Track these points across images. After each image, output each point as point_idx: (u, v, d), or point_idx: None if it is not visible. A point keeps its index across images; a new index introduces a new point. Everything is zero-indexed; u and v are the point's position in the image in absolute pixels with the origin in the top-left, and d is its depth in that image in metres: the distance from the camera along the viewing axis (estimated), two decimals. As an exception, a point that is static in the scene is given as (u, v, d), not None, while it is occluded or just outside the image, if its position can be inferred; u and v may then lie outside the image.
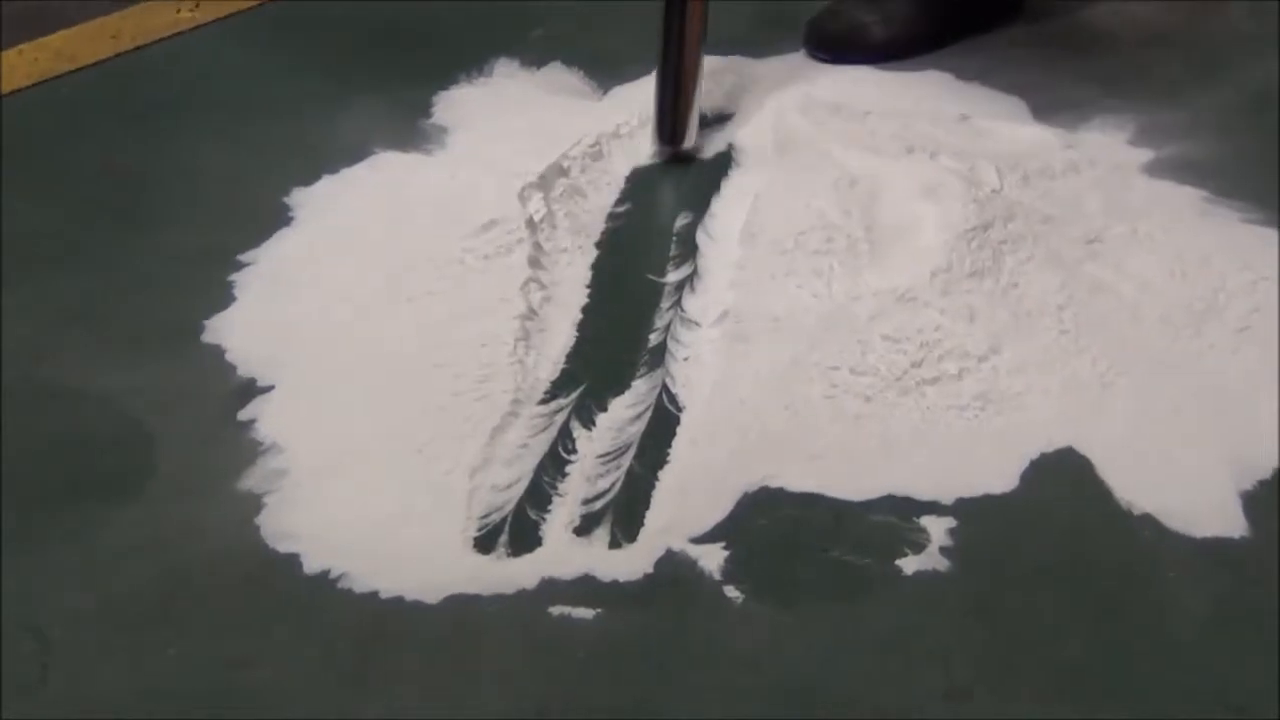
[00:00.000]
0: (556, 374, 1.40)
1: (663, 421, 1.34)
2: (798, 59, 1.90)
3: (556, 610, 1.17)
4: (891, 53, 1.90)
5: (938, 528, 1.23)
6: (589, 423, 1.34)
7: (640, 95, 1.75)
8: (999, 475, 1.28)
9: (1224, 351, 1.40)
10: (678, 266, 1.53)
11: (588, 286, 1.51)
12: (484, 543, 1.23)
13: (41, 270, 1.54)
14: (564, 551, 1.22)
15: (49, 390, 1.39)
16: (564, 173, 1.63)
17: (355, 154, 1.72)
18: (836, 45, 1.90)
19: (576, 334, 1.45)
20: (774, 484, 1.27)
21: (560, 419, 1.35)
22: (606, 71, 1.87)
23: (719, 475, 1.28)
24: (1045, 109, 1.77)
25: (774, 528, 1.24)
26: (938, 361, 1.37)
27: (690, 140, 1.68)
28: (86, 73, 1.92)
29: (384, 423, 1.34)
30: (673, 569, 1.20)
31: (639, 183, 1.66)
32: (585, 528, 1.24)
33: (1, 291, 1.50)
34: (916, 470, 1.28)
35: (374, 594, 1.18)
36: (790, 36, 1.92)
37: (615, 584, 1.19)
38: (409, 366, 1.40)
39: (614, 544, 1.23)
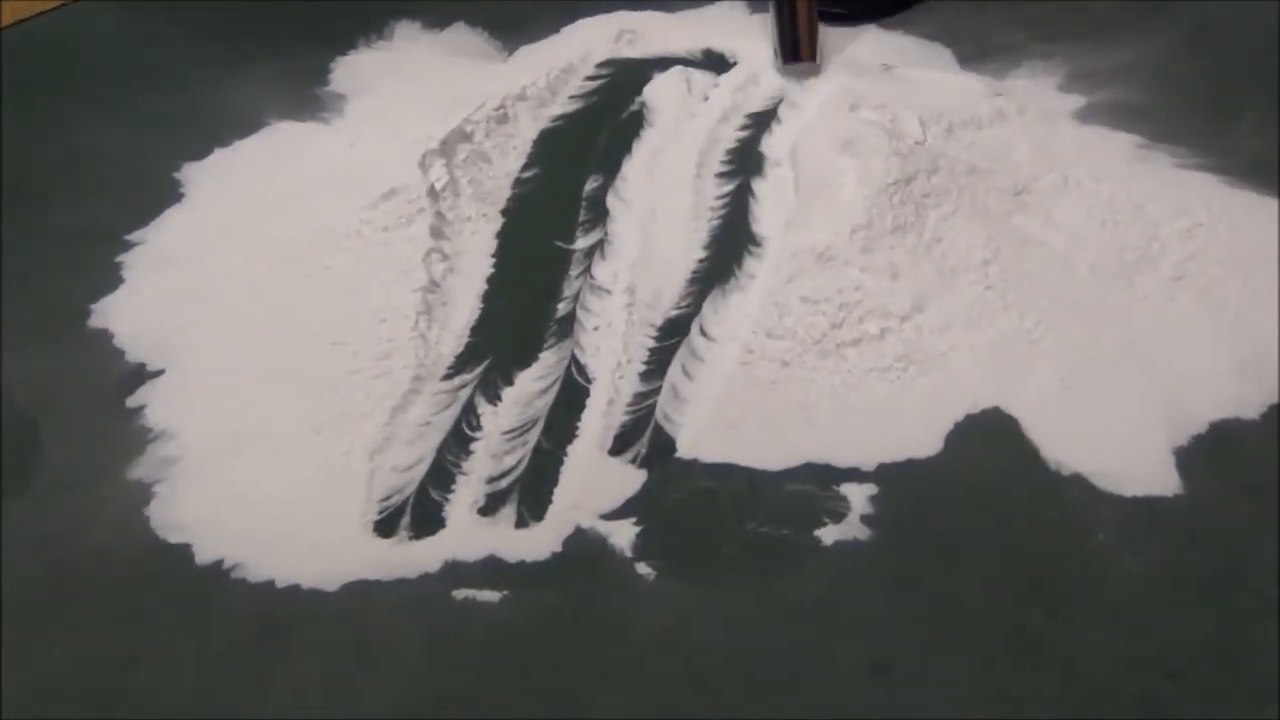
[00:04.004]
0: (460, 348, 1.41)
1: (571, 394, 1.36)
2: (723, 9, 1.91)
3: (460, 594, 1.18)
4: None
5: (858, 495, 1.24)
6: (494, 398, 1.35)
7: (548, 55, 1.76)
8: (922, 439, 1.29)
9: (1158, 301, 1.41)
10: (587, 232, 1.54)
11: (493, 256, 1.52)
12: (384, 526, 1.24)
13: (-84, 256, 1.55)
14: (468, 533, 1.23)
15: (-75, 380, 1.40)
16: (467, 138, 1.63)
17: (248, 125, 1.73)
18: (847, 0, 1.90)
19: (481, 305, 1.46)
20: (687, 455, 1.29)
21: (464, 395, 1.36)
22: (512, 32, 1.88)
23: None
24: (972, 56, 1.78)
25: (687, 501, 1.25)
26: (858, 322, 1.38)
27: (814, 54, 1.74)
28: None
29: (279, 404, 1.35)
30: (582, 547, 1.22)
31: (547, 146, 1.67)
32: (490, 507, 1.25)
33: (-127, 280, 1.50)
34: (836, 436, 1.30)
35: (269, 583, 1.20)
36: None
37: (522, 564, 1.20)
38: (305, 345, 1.41)
39: (520, 523, 1.24)
